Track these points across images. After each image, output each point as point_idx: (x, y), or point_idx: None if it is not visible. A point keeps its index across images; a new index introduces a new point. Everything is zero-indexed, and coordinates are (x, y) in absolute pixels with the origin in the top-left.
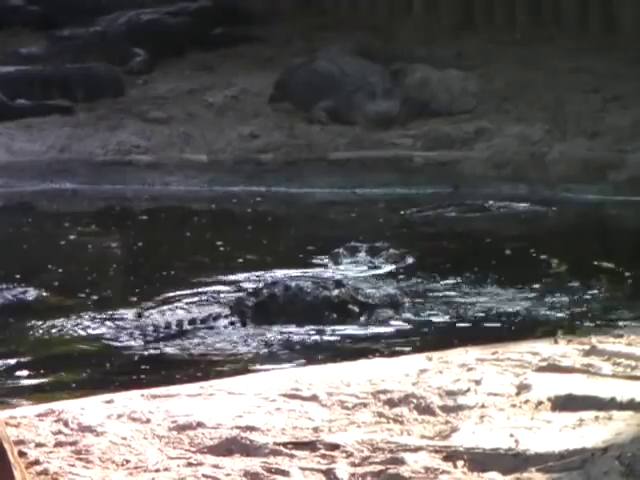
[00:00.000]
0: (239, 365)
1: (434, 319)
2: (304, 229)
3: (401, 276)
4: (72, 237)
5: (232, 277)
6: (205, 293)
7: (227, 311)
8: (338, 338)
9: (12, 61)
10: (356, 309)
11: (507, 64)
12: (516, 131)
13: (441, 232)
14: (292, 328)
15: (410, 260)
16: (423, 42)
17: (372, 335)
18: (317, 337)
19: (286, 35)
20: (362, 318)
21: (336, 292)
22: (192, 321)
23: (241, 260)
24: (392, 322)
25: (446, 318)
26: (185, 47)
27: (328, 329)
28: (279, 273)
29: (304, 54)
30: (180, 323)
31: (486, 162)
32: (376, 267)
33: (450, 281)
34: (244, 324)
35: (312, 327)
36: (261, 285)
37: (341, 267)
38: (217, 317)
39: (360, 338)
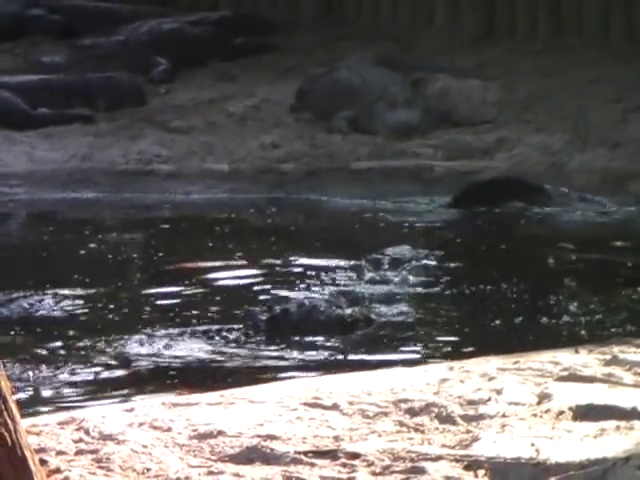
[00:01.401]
0: (251, 375)
1: (448, 336)
2: (326, 240)
3: (420, 288)
4: (92, 246)
5: (250, 288)
6: (220, 303)
7: (240, 324)
8: (349, 354)
9: (34, 70)
10: (369, 327)
11: (528, 74)
12: (537, 141)
13: (464, 241)
14: (303, 344)
15: (429, 271)
16: (444, 52)
17: (384, 352)
18: (329, 352)
19: (307, 45)
20: (375, 335)
21: (349, 311)
22: (206, 332)
23: (259, 271)
24: (406, 339)
25: (463, 331)
26: (206, 56)
27: (340, 345)
28: (300, 286)
29: (325, 64)
30: (194, 333)
31: (507, 172)
32: (397, 281)
33: (468, 292)
34: (256, 337)
35: (324, 343)
36: (277, 300)
37: (364, 280)
38: (230, 329)
39: (372, 355)
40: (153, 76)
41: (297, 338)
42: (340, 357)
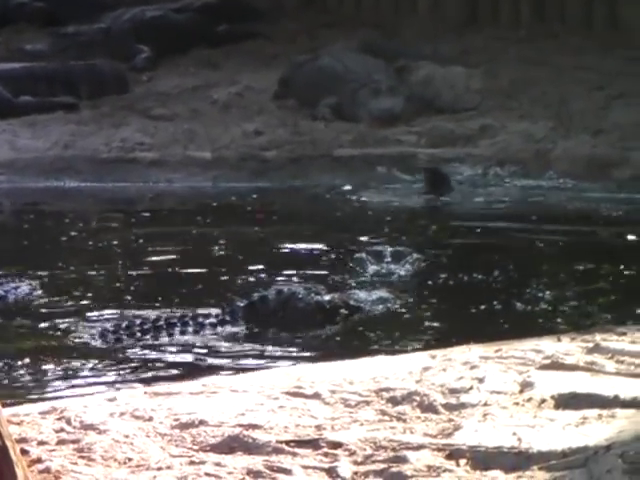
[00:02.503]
0: (228, 363)
1: (430, 324)
2: (313, 227)
3: (400, 276)
4: (73, 234)
5: (229, 275)
6: (201, 291)
7: (218, 310)
8: (328, 341)
9: (16, 58)
10: (349, 314)
11: (511, 61)
12: (520, 128)
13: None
14: (281, 331)
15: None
16: (427, 39)
17: (363, 338)
18: (307, 340)
19: (290, 32)
20: (353, 322)
21: (328, 298)
22: (182, 318)
23: (239, 258)
24: (386, 326)
25: (445, 319)
26: (189, 44)
27: (319, 332)
28: (282, 274)
29: (308, 51)
30: (169, 320)
31: (490, 159)
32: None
33: (450, 280)
34: (234, 324)
35: (303, 330)
36: (256, 287)
37: (350, 270)
38: (207, 315)
39: (351, 341)
40: (136, 64)
41: (275, 325)
42: (319, 344)
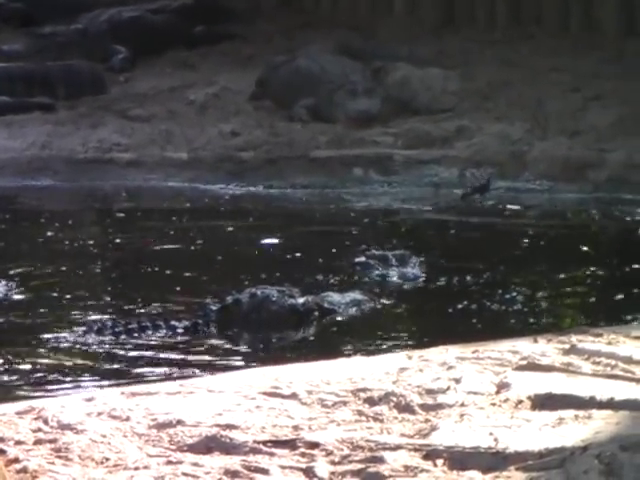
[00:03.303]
0: (201, 367)
1: (405, 326)
2: (291, 230)
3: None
4: (49, 234)
5: (204, 278)
6: (177, 292)
7: (190, 314)
8: (302, 344)
9: None
10: (323, 317)
11: (488, 63)
12: (497, 130)
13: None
14: (255, 334)
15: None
16: (404, 41)
17: (337, 340)
18: (281, 343)
19: (267, 33)
20: (327, 324)
21: (302, 300)
22: (154, 321)
23: (213, 261)
24: (360, 328)
25: (420, 320)
26: (166, 45)
27: (292, 335)
28: (256, 276)
29: (285, 52)
30: (142, 322)
31: (466, 161)
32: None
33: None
34: (206, 327)
35: (276, 333)
36: (229, 290)
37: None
38: (180, 319)
39: (326, 343)
40: (113, 64)
41: (248, 328)
42: (293, 346)
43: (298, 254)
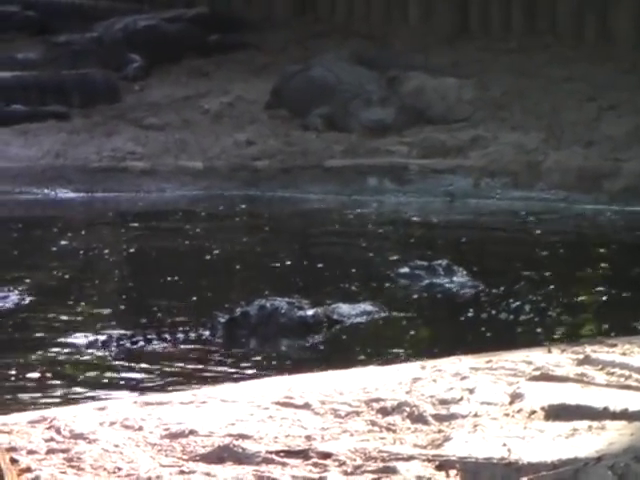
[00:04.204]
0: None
1: (415, 336)
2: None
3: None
4: (63, 243)
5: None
6: (182, 304)
7: (199, 326)
8: (312, 354)
9: (8, 67)
10: (332, 328)
11: (503, 72)
12: (512, 139)
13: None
14: (262, 347)
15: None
16: (419, 50)
17: (347, 351)
18: (289, 354)
19: (282, 42)
20: (337, 336)
21: (311, 312)
22: (160, 334)
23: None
24: (367, 338)
25: (432, 331)
26: (181, 53)
27: (301, 347)
28: (267, 287)
29: (300, 61)
30: (148, 333)
31: (481, 170)
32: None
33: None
34: (213, 340)
35: (284, 345)
36: (239, 302)
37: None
38: (186, 331)
39: (335, 354)
40: (127, 73)
41: (256, 341)
42: (302, 359)
43: (324, 264)
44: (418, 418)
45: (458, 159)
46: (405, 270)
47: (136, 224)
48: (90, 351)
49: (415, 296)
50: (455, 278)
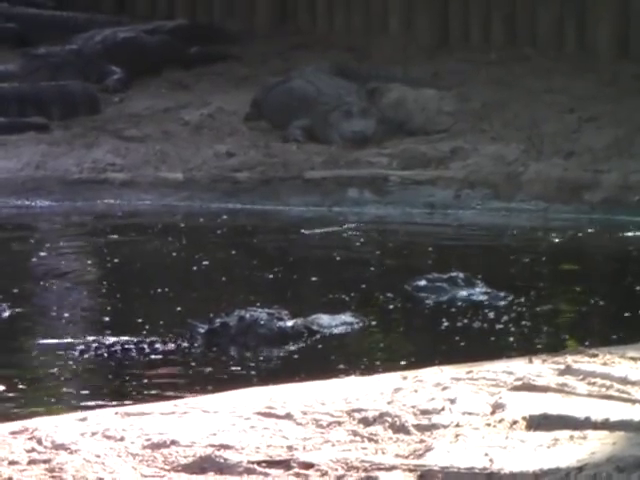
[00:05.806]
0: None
1: (395, 347)
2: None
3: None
4: (42, 254)
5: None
6: (169, 316)
7: (177, 336)
8: (292, 365)
9: None
10: (311, 339)
11: (483, 84)
12: (492, 151)
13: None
14: (240, 358)
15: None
16: (399, 62)
17: (326, 362)
18: (265, 366)
19: (262, 54)
20: (315, 346)
21: (291, 323)
22: (138, 344)
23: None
24: (347, 349)
25: (412, 341)
26: (161, 65)
27: (279, 357)
28: (249, 299)
29: (280, 73)
30: (126, 344)
31: (462, 181)
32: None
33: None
34: (192, 351)
35: (262, 356)
36: (218, 313)
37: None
38: (165, 342)
39: (315, 365)
40: (107, 85)
41: (236, 351)
42: (281, 369)
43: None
44: (400, 428)
45: (438, 170)
46: (386, 281)
47: (115, 235)
48: (70, 362)
49: (395, 307)
50: (435, 288)
